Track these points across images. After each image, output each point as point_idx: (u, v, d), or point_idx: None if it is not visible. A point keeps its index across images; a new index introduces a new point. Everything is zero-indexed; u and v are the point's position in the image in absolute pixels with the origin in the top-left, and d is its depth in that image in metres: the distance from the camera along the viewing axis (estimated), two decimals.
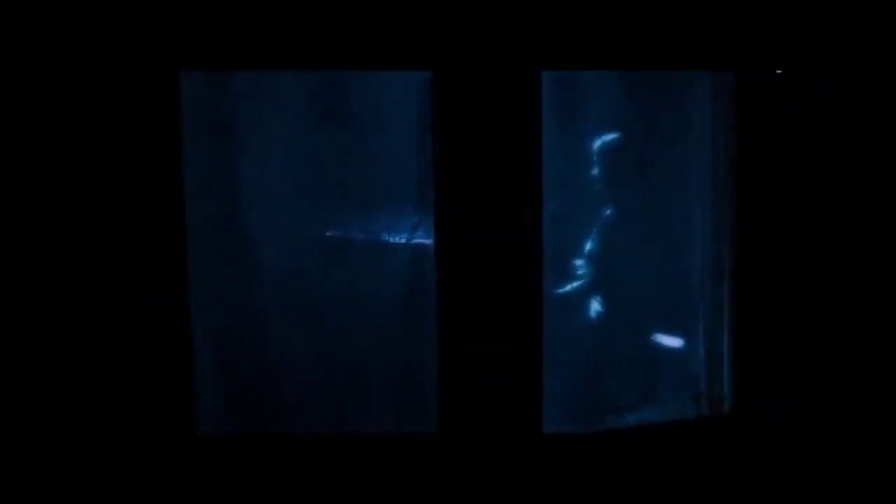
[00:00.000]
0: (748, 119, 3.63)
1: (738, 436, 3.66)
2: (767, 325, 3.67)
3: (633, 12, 3.48)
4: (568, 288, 3.75)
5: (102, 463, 3.39)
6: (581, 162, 3.74)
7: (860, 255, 3.68)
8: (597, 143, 3.74)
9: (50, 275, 3.36)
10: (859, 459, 3.65)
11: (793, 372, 3.67)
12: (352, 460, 3.50)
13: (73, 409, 3.38)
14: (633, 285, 3.80)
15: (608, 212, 3.75)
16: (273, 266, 3.62)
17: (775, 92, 3.60)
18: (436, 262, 3.52)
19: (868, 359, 3.70)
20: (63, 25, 3.33)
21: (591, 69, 3.59)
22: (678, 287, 3.82)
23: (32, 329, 3.36)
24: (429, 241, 3.59)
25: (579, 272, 3.76)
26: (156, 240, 3.38)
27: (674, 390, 3.85)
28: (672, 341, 3.84)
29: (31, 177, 3.34)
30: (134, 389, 3.40)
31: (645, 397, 3.83)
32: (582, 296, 3.77)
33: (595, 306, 3.77)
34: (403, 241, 3.65)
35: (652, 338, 3.83)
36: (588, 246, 3.76)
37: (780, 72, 3.58)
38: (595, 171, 3.74)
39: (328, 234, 3.64)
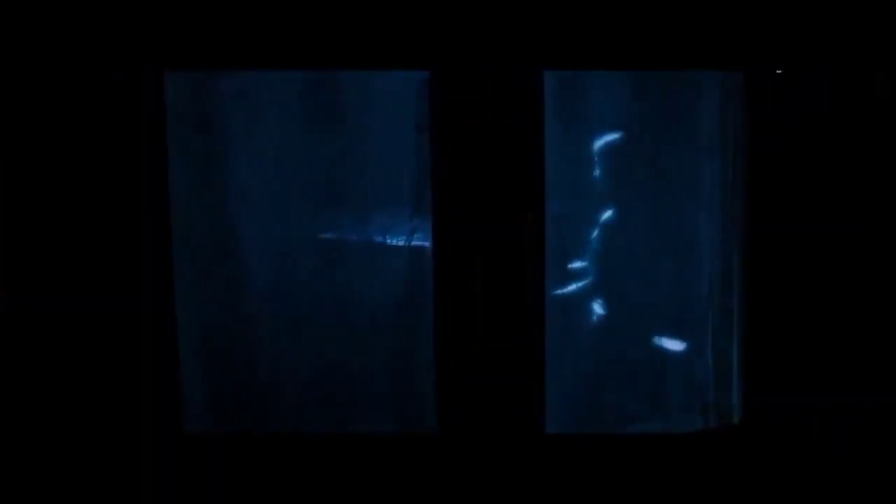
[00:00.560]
0: (758, 119, 3.52)
1: (748, 446, 3.56)
2: (779, 332, 3.55)
3: (638, 10, 3.40)
4: (569, 289, 3.67)
5: (90, 462, 3.40)
6: (585, 162, 3.66)
7: (877, 257, 3.55)
8: (602, 144, 3.65)
9: (36, 275, 3.36)
10: (882, 476, 3.54)
11: (806, 381, 3.56)
12: (347, 461, 3.49)
13: (61, 408, 3.39)
14: (639, 289, 3.70)
15: (613, 213, 3.66)
16: (266, 267, 3.59)
17: (787, 91, 3.49)
18: (434, 264, 3.49)
19: (887, 362, 3.57)
20: (47, 27, 3.30)
21: (596, 69, 3.53)
22: (685, 291, 3.71)
23: (19, 329, 3.36)
24: (427, 244, 3.55)
25: (581, 274, 3.68)
26: (141, 240, 3.37)
27: (681, 400, 3.74)
28: (678, 348, 3.72)
29: (17, 178, 3.33)
30: (121, 388, 3.40)
31: (650, 407, 3.72)
32: (584, 299, 3.69)
33: (597, 309, 3.68)
34: (401, 243, 3.61)
35: (657, 344, 3.72)
36: (592, 248, 3.67)
37: (779, 72, 3.47)
38: (600, 172, 3.66)
39: (323, 236, 3.60)
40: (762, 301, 3.56)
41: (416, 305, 3.59)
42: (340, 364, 3.62)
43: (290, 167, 3.56)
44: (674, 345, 3.71)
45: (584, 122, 3.63)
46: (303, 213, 3.58)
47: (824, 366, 3.55)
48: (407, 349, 3.62)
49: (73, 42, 3.30)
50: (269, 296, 3.59)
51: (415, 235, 3.60)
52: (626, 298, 3.68)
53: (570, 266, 3.66)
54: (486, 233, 3.46)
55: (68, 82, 3.31)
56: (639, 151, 3.65)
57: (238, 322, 3.58)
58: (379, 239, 3.61)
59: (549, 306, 3.53)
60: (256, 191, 3.55)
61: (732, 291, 3.68)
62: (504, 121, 3.45)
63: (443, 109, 3.45)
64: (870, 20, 3.40)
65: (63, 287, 3.36)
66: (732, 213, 3.65)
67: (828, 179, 3.49)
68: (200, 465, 3.45)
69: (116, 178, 3.35)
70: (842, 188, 3.50)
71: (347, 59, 3.41)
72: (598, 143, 3.64)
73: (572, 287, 3.66)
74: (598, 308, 3.68)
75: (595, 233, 3.66)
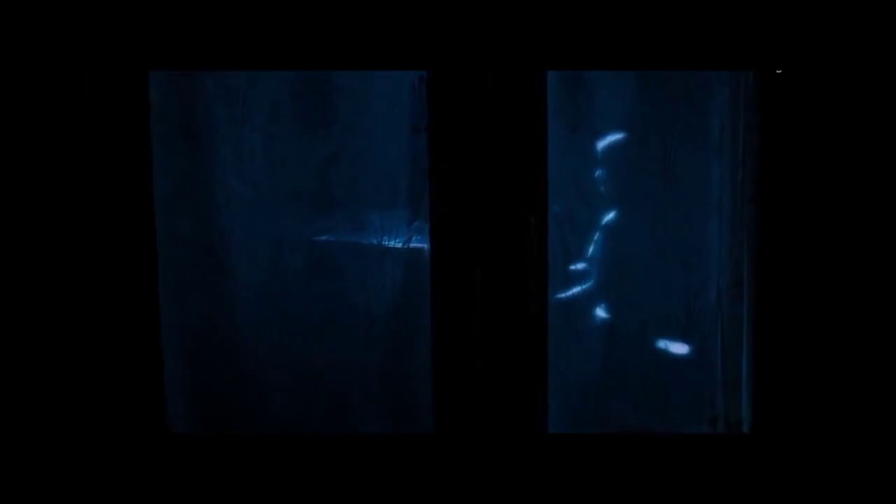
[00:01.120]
0: (771, 120, 3.40)
1: (757, 454, 3.48)
2: (791, 342, 3.43)
3: (644, 7, 3.31)
4: (572, 293, 3.60)
5: (74, 462, 3.38)
6: (590, 164, 3.57)
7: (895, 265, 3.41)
8: (608, 145, 3.56)
9: (18, 276, 3.32)
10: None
11: (819, 394, 3.43)
12: (338, 462, 3.47)
13: (45, 408, 3.37)
14: (644, 296, 3.61)
15: (619, 216, 3.58)
16: (255, 269, 3.56)
17: (801, 91, 3.35)
18: (431, 267, 3.44)
19: None
20: (28, 23, 3.23)
21: (601, 69, 3.45)
22: (693, 299, 3.61)
23: (0, 330, 3.33)
24: (425, 245, 3.51)
25: (584, 278, 3.60)
26: (125, 243, 3.34)
27: (687, 412, 3.63)
28: (685, 357, 3.62)
29: None
30: (104, 388, 3.39)
31: (655, 419, 3.62)
32: (587, 305, 3.61)
33: (601, 314, 3.60)
34: (399, 245, 3.56)
35: (663, 354, 3.61)
36: (596, 251, 3.59)
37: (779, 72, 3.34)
38: (606, 174, 3.57)
39: (318, 238, 3.56)
40: (774, 312, 3.46)
41: (414, 307, 3.55)
42: (335, 365, 3.60)
43: (281, 169, 3.52)
44: (679, 348, 3.62)
45: (591, 123, 3.55)
46: (293, 215, 3.53)
47: (838, 379, 3.42)
48: (404, 350, 3.58)
49: (51, 39, 3.23)
50: (259, 298, 3.55)
51: (413, 238, 3.55)
52: (632, 307, 3.60)
53: (572, 268, 3.59)
54: (487, 234, 3.40)
55: (47, 81, 3.24)
56: (645, 152, 3.56)
57: (226, 324, 3.56)
58: (375, 241, 3.57)
59: (551, 310, 3.48)
60: (245, 192, 3.51)
61: (742, 301, 3.58)
62: (506, 121, 3.38)
63: (441, 109, 3.37)
64: (883, 19, 3.27)
65: (46, 288, 3.32)
66: (744, 219, 3.55)
67: (844, 183, 3.37)
68: (186, 465, 3.44)
69: (101, 179, 3.31)
70: (859, 192, 3.36)
71: (342, 59, 3.34)
72: (603, 144, 3.56)
73: (575, 290, 3.59)
74: (601, 313, 3.60)
75: (598, 236, 3.58)
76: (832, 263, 3.38)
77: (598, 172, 3.56)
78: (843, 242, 3.37)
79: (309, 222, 3.54)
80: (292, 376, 3.60)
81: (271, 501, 3.45)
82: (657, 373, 3.62)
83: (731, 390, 3.62)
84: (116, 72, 3.24)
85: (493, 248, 3.41)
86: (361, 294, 3.57)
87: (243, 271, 3.54)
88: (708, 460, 3.47)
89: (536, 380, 3.46)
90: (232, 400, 3.60)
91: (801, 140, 3.36)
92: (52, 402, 3.36)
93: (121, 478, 3.41)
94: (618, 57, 3.33)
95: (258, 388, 3.60)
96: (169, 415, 3.49)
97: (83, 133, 3.27)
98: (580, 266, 3.59)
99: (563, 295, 3.58)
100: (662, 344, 3.61)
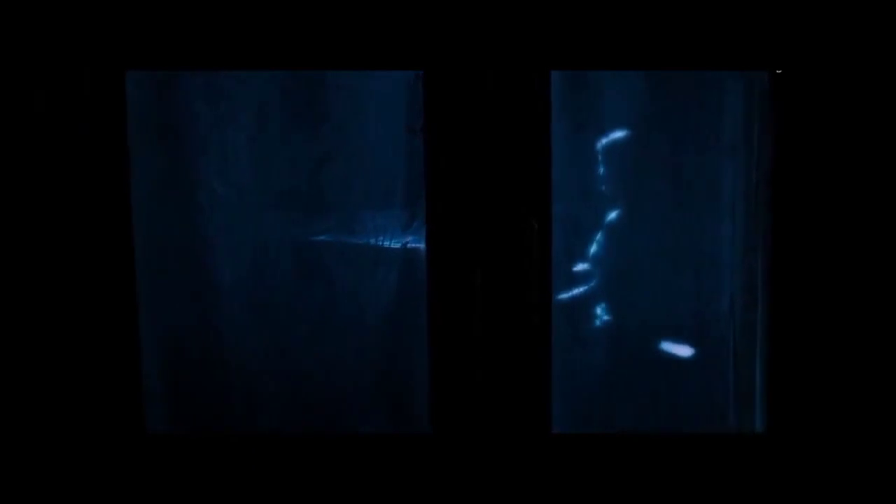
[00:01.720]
0: (786, 121, 3.27)
1: (768, 459, 3.40)
2: (807, 346, 3.33)
3: (653, 4, 3.19)
4: (574, 293, 3.54)
5: (51, 463, 3.34)
6: (596, 166, 3.49)
7: None
8: (614, 146, 3.48)
9: None
10: None
11: (835, 404, 3.33)
12: (328, 462, 3.41)
13: (21, 409, 3.32)
14: (653, 304, 3.53)
15: (627, 219, 3.49)
16: (239, 271, 3.52)
17: (816, 91, 3.23)
18: (428, 268, 3.36)
19: None
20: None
21: (608, 69, 3.35)
22: (703, 303, 3.53)
23: None
24: (421, 245, 3.44)
25: (587, 279, 3.54)
26: (103, 244, 3.27)
27: (698, 424, 3.54)
28: (694, 365, 3.55)
29: None
30: (82, 389, 3.34)
31: (662, 424, 3.56)
32: (591, 304, 3.55)
33: (605, 316, 3.54)
34: (396, 245, 3.53)
35: (674, 363, 3.54)
36: (600, 253, 3.52)
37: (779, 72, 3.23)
38: (612, 175, 3.48)
39: (312, 239, 3.53)
40: (789, 320, 3.34)
41: (411, 308, 3.51)
42: (327, 365, 3.56)
43: (267, 170, 3.46)
44: (691, 362, 3.54)
45: (598, 124, 3.47)
46: (279, 217, 3.49)
47: (855, 388, 3.32)
48: (402, 351, 3.55)
49: (25, 37, 3.12)
50: (247, 301, 3.52)
51: (409, 238, 3.52)
52: (639, 315, 3.54)
53: (575, 273, 3.52)
54: (487, 236, 3.32)
55: (18, 82, 3.15)
56: (655, 154, 3.47)
57: (210, 326, 3.53)
58: (372, 241, 3.53)
59: (554, 311, 3.39)
60: (228, 195, 3.46)
61: (756, 308, 3.49)
62: (507, 122, 3.28)
63: (438, 109, 3.27)
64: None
65: (22, 291, 3.26)
66: (758, 223, 3.44)
67: (861, 186, 3.25)
68: (163, 466, 3.39)
69: (77, 180, 3.23)
70: (878, 195, 3.25)
71: (332, 59, 3.23)
72: (610, 145, 3.47)
73: (578, 290, 3.54)
74: (605, 316, 3.55)
75: (601, 237, 3.51)
76: (849, 268, 3.28)
77: (603, 173, 3.48)
78: (859, 246, 3.27)
79: (299, 225, 3.49)
80: (285, 379, 3.56)
81: (269, 502, 3.42)
82: (666, 380, 3.56)
83: (742, 395, 3.55)
84: (92, 72, 3.14)
85: (494, 251, 3.33)
86: (358, 295, 3.54)
87: (229, 273, 3.51)
88: (718, 461, 3.40)
89: (539, 380, 3.39)
90: (224, 404, 3.57)
91: (817, 142, 3.25)
92: (30, 403, 3.31)
93: (98, 478, 3.36)
94: (626, 56, 3.23)
95: (251, 391, 3.57)
96: (149, 418, 3.45)
97: (58, 135, 3.17)
98: (583, 267, 3.54)
99: (565, 295, 3.53)
100: (674, 348, 3.55)
